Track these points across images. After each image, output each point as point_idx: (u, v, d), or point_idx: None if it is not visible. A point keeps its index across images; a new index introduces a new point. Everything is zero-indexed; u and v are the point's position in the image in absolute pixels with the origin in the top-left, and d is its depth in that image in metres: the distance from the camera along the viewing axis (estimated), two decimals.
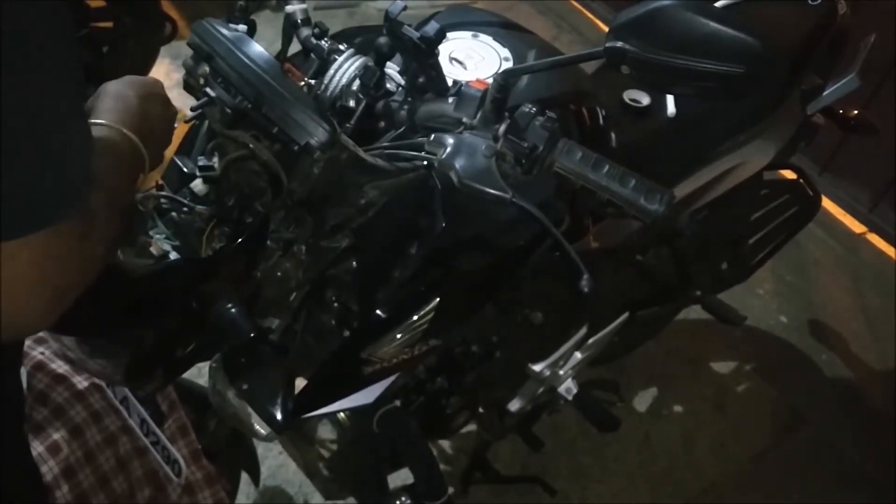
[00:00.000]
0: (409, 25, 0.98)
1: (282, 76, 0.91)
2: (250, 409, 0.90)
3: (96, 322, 0.79)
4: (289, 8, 1.09)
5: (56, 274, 0.59)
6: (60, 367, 1.08)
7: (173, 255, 0.89)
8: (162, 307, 0.86)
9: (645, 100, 1.50)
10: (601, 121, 1.30)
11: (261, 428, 0.92)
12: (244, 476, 1.50)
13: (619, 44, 0.88)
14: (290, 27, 1.09)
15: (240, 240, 0.90)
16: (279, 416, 0.90)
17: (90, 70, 2.45)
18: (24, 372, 1.09)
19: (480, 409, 1.56)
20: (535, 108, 0.91)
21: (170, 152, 0.97)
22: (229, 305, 0.88)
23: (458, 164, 0.91)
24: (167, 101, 0.88)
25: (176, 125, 0.92)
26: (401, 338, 1.06)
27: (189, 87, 0.97)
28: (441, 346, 1.15)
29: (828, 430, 2.23)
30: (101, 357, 0.88)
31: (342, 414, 1.31)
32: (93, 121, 0.75)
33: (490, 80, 0.96)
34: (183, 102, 0.95)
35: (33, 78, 0.54)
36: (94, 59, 2.46)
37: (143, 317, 0.85)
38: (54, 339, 0.90)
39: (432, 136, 0.95)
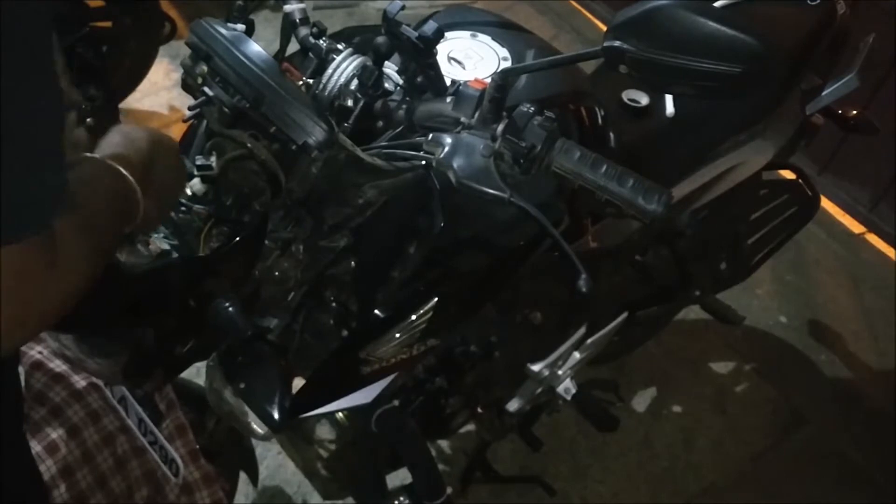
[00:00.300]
0: (408, 25, 0.98)
1: (280, 76, 0.91)
2: (247, 408, 0.90)
3: (94, 320, 0.79)
4: (287, 7, 1.09)
5: (15, 297, 0.55)
6: (58, 366, 1.08)
7: (168, 250, 0.89)
8: (159, 306, 0.86)
9: (644, 100, 1.50)
10: (600, 120, 1.30)
11: (258, 427, 0.91)
12: (243, 476, 1.50)
13: (618, 43, 0.88)
14: (289, 27, 1.09)
15: (238, 238, 0.90)
16: (276, 415, 0.89)
17: (91, 69, 2.46)
18: (22, 371, 1.09)
19: (479, 409, 1.56)
20: (533, 108, 0.91)
21: None
22: (227, 304, 0.88)
23: (456, 163, 0.91)
24: (178, 156, 0.84)
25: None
26: (399, 338, 1.06)
27: (187, 86, 0.97)
28: (440, 346, 1.15)
29: (828, 430, 2.23)
30: (100, 356, 0.88)
31: (341, 414, 1.31)
32: (89, 154, 0.71)
33: (488, 80, 0.96)
34: (182, 102, 0.95)
35: (7, 86, 0.51)
36: (94, 58, 2.46)
37: (141, 316, 0.85)
38: (52, 337, 0.90)
39: (430, 135, 0.95)
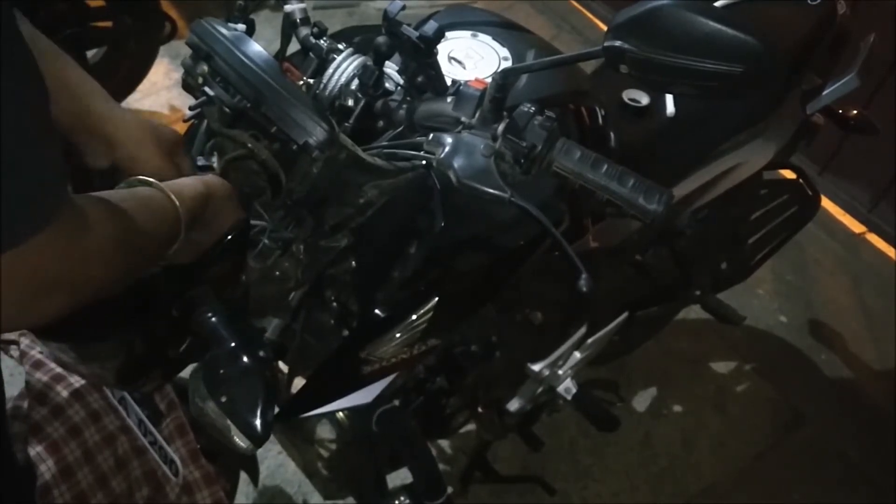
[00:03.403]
0: (408, 25, 0.98)
1: (281, 75, 0.91)
2: (229, 422, 0.89)
3: (79, 329, 0.79)
4: (288, 7, 1.08)
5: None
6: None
7: None
8: (144, 315, 0.85)
9: (644, 99, 1.50)
10: (600, 120, 1.30)
11: (240, 441, 0.90)
12: (243, 476, 1.50)
13: (618, 43, 0.88)
14: (289, 26, 1.09)
15: (221, 246, 0.89)
16: (259, 428, 0.89)
17: None
18: (22, 371, 1.09)
19: (480, 409, 1.56)
20: (533, 108, 0.91)
21: None
22: (209, 314, 0.88)
23: (457, 163, 0.91)
24: (232, 201, 0.88)
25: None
26: (400, 337, 1.06)
27: (188, 86, 0.97)
28: (440, 345, 1.15)
29: (828, 430, 2.23)
30: (93, 361, 0.88)
31: (341, 413, 1.31)
32: (148, 178, 0.76)
33: (489, 80, 0.96)
34: (182, 102, 0.95)
35: None
36: (79, 60, 2.44)
37: (127, 324, 0.84)
38: (44, 345, 0.89)
39: (431, 135, 0.95)
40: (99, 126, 0.86)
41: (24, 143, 0.54)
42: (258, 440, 0.89)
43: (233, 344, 0.88)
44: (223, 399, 0.89)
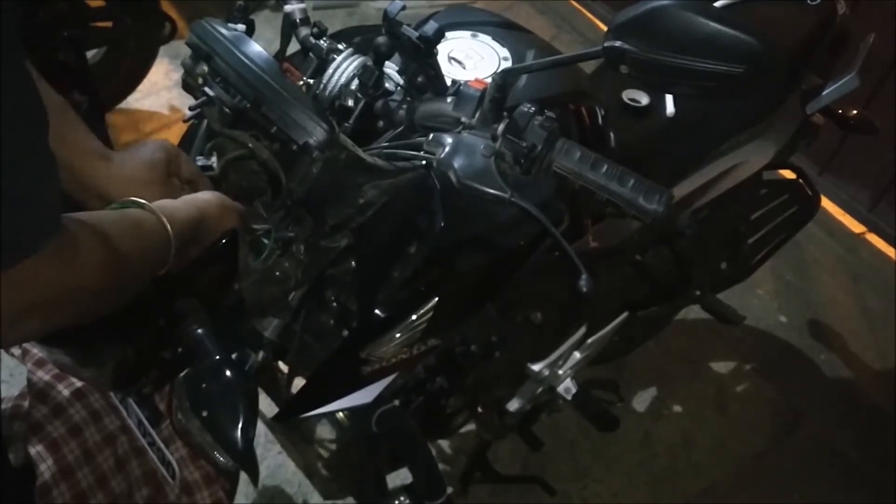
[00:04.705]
0: (408, 25, 0.98)
1: (280, 76, 0.91)
2: (210, 439, 0.89)
3: (71, 335, 0.79)
4: (287, 7, 1.09)
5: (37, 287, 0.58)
6: None
7: None
8: (132, 324, 0.84)
9: (644, 99, 1.50)
10: (600, 120, 1.30)
11: (221, 457, 0.90)
12: (243, 476, 1.49)
13: (618, 43, 0.88)
14: (289, 27, 1.09)
15: (209, 256, 0.88)
16: (240, 445, 0.88)
17: (73, 73, 2.44)
18: (24, 370, 1.09)
19: (480, 409, 1.56)
20: (533, 108, 0.91)
21: None
22: (195, 326, 0.88)
23: (457, 163, 0.91)
24: (233, 217, 0.87)
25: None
26: (400, 337, 1.06)
27: (188, 86, 0.97)
28: (440, 345, 1.15)
29: (828, 430, 2.23)
30: (88, 366, 0.88)
31: (341, 414, 1.31)
32: (141, 200, 0.75)
33: (489, 80, 0.96)
34: (182, 102, 0.95)
35: None
36: (76, 62, 2.43)
37: (116, 332, 0.84)
38: (42, 350, 0.89)
39: (431, 135, 0.95)
40: (95, 186, 0.85)
41: (20, 166, 0.54)
42: (239, 456, 0.89)
43: (217, 357, 0.88)
44: (205, 414, 0.88)
